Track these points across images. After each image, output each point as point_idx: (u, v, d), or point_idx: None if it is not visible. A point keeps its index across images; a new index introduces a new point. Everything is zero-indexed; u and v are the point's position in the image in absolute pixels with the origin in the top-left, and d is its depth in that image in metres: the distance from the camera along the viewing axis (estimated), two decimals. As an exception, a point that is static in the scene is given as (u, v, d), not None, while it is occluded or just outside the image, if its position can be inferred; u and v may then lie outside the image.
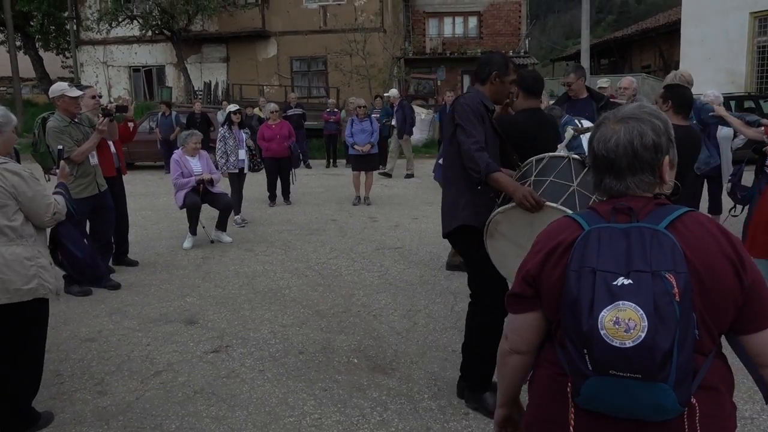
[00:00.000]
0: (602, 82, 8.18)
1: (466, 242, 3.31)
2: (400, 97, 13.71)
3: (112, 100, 24.51)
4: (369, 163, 10.17)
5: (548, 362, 1.52)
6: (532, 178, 2.95)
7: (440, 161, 5.14)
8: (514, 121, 3.92)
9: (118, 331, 4.62)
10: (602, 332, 1.27)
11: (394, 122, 13.35)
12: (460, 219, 3.23)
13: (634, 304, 1.26)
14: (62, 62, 28.11)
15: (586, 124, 4.92)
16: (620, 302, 1.27)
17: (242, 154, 8.37)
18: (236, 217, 8.33)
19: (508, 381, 1.68)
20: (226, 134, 8.19)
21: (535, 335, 1.57)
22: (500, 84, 3.34)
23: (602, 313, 1.28)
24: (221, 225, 7.47)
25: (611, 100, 5.78)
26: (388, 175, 13.34)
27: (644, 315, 1.25)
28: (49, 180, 5.84)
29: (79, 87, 6.20)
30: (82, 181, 5.37)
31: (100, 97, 5.82)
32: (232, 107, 8.65)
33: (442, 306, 5.06)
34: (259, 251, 6.98)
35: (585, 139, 4.65)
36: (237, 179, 8.42)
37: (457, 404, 3.44)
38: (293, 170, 9.89)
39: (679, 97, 3.85)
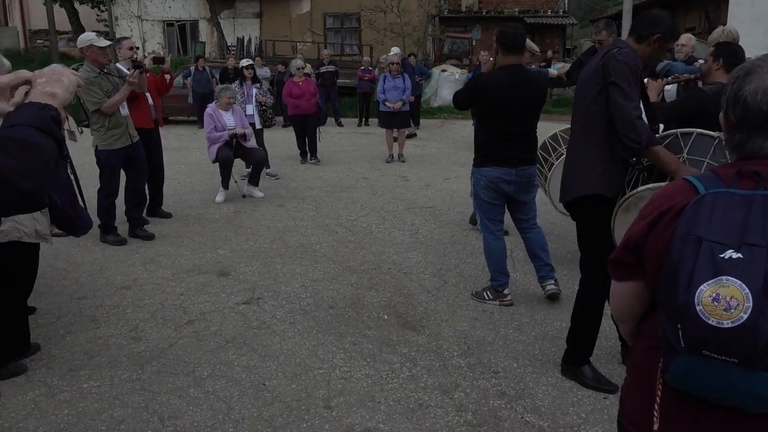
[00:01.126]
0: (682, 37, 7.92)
1: (592, 211, 3.08)
2: (403, 56, 13.06)
3: (146, 54, 24.56)
4: (400, 120, 10.06)
5: (646, 334, 1.43)
6: (685, 155, 2.82)
7: None
8: (489, 80, 3.92)
9: (153, 280, 4.69)
10: (698, 308, 1.15)
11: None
12: (593, 187, 3.00)
13: (739, 281, 1.13)
14: (97, 15, 28.13)
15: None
16: (724, 277, 1.14)
17: (250, 109, 8.27)
18: (267, 170, 8.29)
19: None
20: (236, 89, 8.13)
21: (634, 305, 1.46)
22: (657, 48, 3.01)
23: (701, 287, 1.15)
24: (253, 180, 7.49)
25: None
26: (413, 135, 13.11)
27: (749, 294, 1.11)
28: (82, 132, 5.89)
29: (118, 38, 6.20)
30: (115, 132, 5.39)
31: (137, 49, 5.80)
32: (245, 62, 8.60)
33: (473, 266, 5.02)
34: (290, 207, 7.00)
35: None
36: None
37: (486, 362, 3.42)
38: (319, 128, 9.84)
39: (732, 54, 3.65)
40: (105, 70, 5.39)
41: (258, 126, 8.38)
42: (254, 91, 8.41)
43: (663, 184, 2.69)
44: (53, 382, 3.21)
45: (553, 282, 4.22)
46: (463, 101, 4.16)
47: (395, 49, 13.23)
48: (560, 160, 4.67)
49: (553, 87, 16.20)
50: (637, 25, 3.04)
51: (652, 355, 1.37)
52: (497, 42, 3.92)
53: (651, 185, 2.80)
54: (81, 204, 3.86)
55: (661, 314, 1.28)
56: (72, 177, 3.78)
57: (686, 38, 6.17)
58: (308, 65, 14.81)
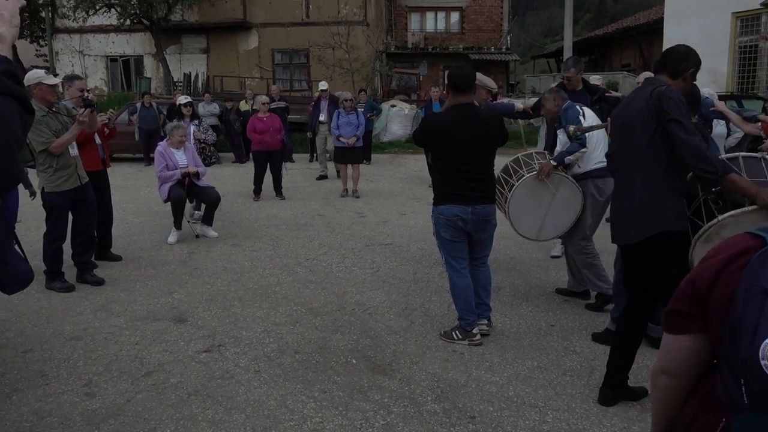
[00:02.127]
0: (594, 78, 8.22)
1: (664, 248, 3.05)
2: (328, 90, 12.69)
3: (88, 91, 23.95)
4: (354, 155, 10.07)
5: (701, 395, 1.35)
6: (747, 178, 2.84)
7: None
8: (438, 119, 4.11)
9: (105, 329, 4.45)
10: (763, 362, 1.10)
11: (323, 117, 12.31)
12: (664, 224, 3.02)
13: None
14: (36, 50, 27.39)
15: (587, 110, 4.88)
16: None
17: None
18: (195, 213, 7.86)
19: (657, 407, 1.49)
20: None
21: (691, 359, 1.37)
22: (690, 82, 3.15)
23: (766, 341, 1.11)
24: (207, 219, 7.29)
25: (606, 94, 5.74)
26: (323, 177, 12.18)
27: None
28: (28, 173, 5.62)
29: (69, 76, 5.98)
30: (63, 173, 5.15)
31: (88, 91, 5.59)
32: (183, 99, 8.42)
33: (439, 304, 4.96)
34: (247, 246, 6.82)
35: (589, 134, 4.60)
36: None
37: (461, 407, 3.34)
38: (285, 164, 9.76)
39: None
40: (54, 109, 5.17)
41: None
42: (192, 128, 8.24)
43: (744, 209, 2.74)
44: (-1, 448, 2.96)
45: (486, 322, 4.27)
46: (420, 139, 4.22)
47: (323, 84, 12.99)
48: (521, 181, 4.70)
49: (520, 119, 16.59)
50: (669, 63, 3.12)
51: (710, 414, 1.29)
52: (448, 82, 3.99)
53: (732, 212, 2.79)
54: (18, 254, 3.56)
55: (722, 369, 1.23)
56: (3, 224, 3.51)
57: (645, 75, 6.43)
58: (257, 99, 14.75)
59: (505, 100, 17.02)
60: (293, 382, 3.64)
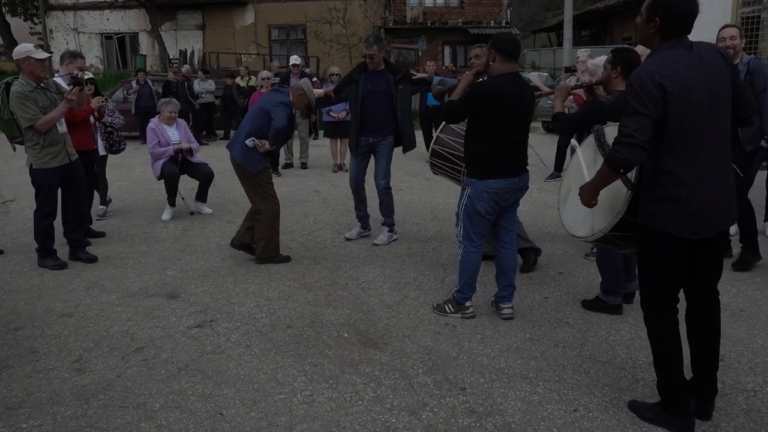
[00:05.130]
0: (581, 53, 8.14)
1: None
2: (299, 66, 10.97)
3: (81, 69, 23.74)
4: (345, 130, 9.98)
5: None
6: None
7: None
8: (492, 87, 3.82)
9: (96, 306, 4.43)
10: None
11: None
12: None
13: None
14: (31, 28, 27.11)
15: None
16: None
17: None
18: (100, 207, 7.07)
19: None
20: None
21: None
22: None
23: None
24: (201, 196, 7.24)
25: (412, 75, 5.83)
26: (303, 166, 10.84)
27: None
28: (15, 150, 5.57)
29: (73, 54, 5.89)
30: (51, 150, 5.07)
31: (81, 70, 5.46)
32: (88, 75, 7.27)
33: (432, 278, 4.94)
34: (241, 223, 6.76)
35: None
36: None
37: (452, 379, 3.33)
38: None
39: (628, 62, 3.72)
40: (42, 85, 5.08)
41: (101, 152, 6.69)
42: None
43: None
44: (-12, 424, 2.95)
45: (510, 305, 4.17)
46: (460, 112, 3.93)
47: (294, 58, 12.05)
48: None
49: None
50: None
51: None
52: (494, 48, 3.80)
53: None
54: None
55: None
56: None
57: (642, 49, 6.22)
58: (254, 77, 14.58)
59: (536, 74, 16.95)
60: (284, 356, 3.63)
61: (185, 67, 15.53)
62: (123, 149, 6.87)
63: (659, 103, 2.57)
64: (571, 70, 6.91)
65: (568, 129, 3.98)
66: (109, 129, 6.58)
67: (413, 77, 5.77)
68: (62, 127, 5.16)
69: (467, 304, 4.12)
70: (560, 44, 23.15)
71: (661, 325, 2.84)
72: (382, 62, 5.68)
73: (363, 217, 6.19)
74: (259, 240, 5.32)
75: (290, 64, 10.95)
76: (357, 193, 6.11)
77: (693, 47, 2.68)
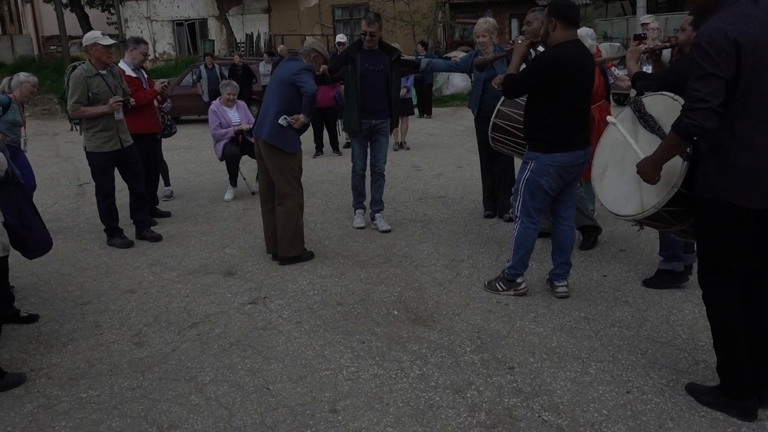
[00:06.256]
0: (646, 17, 7.73)
1: None
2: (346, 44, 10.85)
3: (157, 56, 24.52)
4: (403, 107, 9.88)
5: None
6: None
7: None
8: (560, 56, 3.61)
9: (158, 283, 4.59)
10: None
11: None
12: None
13: None
14: (107, 18, 28.26)
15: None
16: None
17: None
18: (166, 188, 7.27)
19: None
20: None
21: None
22: None
23: None
24: (262, 176, 7.36)
25: (402, 57, 5.55)
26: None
27: None
28: (73, 129, 5.83)
29: (137, 39, 6.16)
30: (104, 135, 5.24)
31: (131, 96, 5.56)
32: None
33: (487, 256, 4.84)
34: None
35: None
36: None
37: (501, 357, 3.26)
38: (339, 120, 9.66)
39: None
40: (104, 71, 5.26)
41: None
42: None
43: None
44: (52, 393, 3.11)
45: (566, 283, 4.03)
46: (523, 86, 3.75)
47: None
48: None
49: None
50: None
51: None
52: (554, 16, 3.59)
53: None
54: (39, 223, 3.77)
55: None
56: (23, 196, 3.70)
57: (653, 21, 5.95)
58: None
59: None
60: (333, 332, 3.65)
61: (280, 47, 15.73)
62: (174, 132, 7.08)
63: (732, 61, 2.37)
64: (640, 37, 6.55)
65: (656, 87, 3.46)
66: (161, 113, 6.67)
67: (402, 58, 5.53)
68: (118, 115, 5.29)
69: (519, 280, 4.02)
70: (634, 12, 22.09)
71: (722, 302, 2.67)
72: (377, 42, 5.42)
73: (362, 201, 5.99)
74: (282, 238, 4.85)
75: (336, 42, 11.06)
76: (363, 179, 5.87)
77: (758, 1, 2.46)
